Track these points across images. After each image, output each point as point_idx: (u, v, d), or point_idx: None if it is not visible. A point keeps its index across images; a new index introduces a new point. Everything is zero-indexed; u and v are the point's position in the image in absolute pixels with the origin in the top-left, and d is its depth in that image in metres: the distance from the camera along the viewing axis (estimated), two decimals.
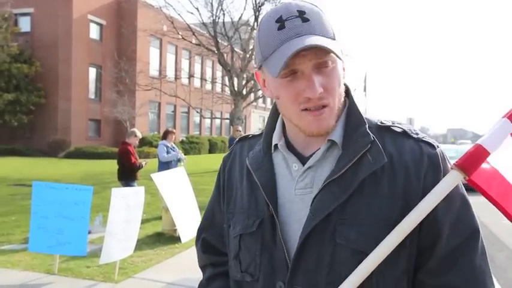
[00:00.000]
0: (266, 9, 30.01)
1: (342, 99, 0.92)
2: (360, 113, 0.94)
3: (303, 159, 0.94)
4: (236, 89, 18.41)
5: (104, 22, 26.87)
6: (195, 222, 5.93)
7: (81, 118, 25.33)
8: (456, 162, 0.86)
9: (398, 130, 0.92)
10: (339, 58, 0.87)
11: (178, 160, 7.83)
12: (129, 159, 6.83)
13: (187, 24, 18.65)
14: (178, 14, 18.40)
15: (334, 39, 0.87)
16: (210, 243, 1.14)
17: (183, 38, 18.56)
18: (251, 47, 19.48)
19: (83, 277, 4.56)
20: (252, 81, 19.01)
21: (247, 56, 19.07)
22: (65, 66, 24.60)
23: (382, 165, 0.87)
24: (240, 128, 9.41)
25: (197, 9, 18.36)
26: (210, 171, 17.01)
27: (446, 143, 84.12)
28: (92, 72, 26.52)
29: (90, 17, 25.75)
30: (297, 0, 0.89)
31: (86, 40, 25.53)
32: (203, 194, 10.25)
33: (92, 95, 26.63)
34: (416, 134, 0.93)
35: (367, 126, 0.91)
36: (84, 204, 4.54)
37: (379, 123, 0.93)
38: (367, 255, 0.84)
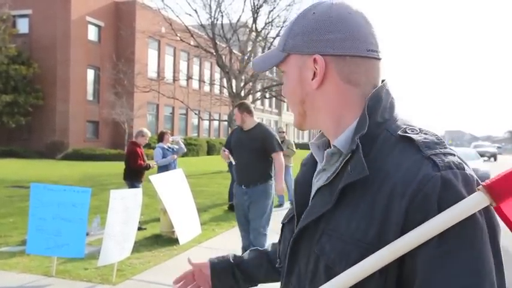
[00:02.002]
0: (264, 11, 30.07)
1: (300, 105, 0.93)
2: (365, 119, 0.84)
3: None
4: (234, 90, 18.42)
5: (102, 24, 26.86)
6: (193, 224, 5.92)
7: (79, 120, 25.29)
8: (485, 182, 0.69)
9: (414, 143, 0.79)
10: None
11: (176, 151, 7.80)
12: (135, 160, 6.88)
13: (186, 26, 18.67)
14: (177, 16, 18.41)
15: (281, 51, 0.93)
16: None
17: (181, 39, 18.57)
18: (249, 48, 19.51)
19: (80, 279, 4.55)
20: (250, 83, 19.03)
21: (246, 57, 19.09)
22: (63, 68, 24.57)
23: (363, 177, 0.78)
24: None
25: (195, 11, 18.38)
26: (208, 172, 17.01)
27: None
28: (90, 73, 26.49)
29: (88, 18, 25.73)
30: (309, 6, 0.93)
31: (84, 42, 25.51)
32: (201, 196, 10.25)
33: (90, 97, 26.60)
34: (433, 149, 0.77)
35: (362, 133, 0.82)
36: (82, 206, 4.54)
37: (401, 132, 0.82)
38: (336, 273, 0.78)
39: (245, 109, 4.82)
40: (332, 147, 0.89)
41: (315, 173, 0.95)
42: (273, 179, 4.79)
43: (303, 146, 34.36)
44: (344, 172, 0.82)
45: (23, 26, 25.06)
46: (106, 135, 27.13)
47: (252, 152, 4.66)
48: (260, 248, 1.29)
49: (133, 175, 6.89)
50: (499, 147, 71.40)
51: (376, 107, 0.86)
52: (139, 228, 6.62)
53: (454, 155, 0.77)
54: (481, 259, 0.70)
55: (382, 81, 0.91)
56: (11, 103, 22.93)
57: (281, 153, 4.81)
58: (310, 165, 1.00)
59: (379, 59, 0.88)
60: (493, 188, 0.68)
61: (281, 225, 1.05)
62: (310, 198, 0.93)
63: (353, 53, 0.85)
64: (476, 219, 0.71)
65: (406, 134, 0.81)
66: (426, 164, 0.75)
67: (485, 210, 0.72)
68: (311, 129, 1.02)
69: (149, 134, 7.33)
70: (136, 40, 26.61)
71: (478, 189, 0.70)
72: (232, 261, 1.24)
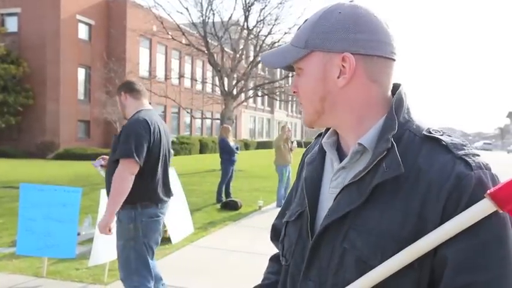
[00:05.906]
0: (256, 9, 30.08)
1: (320, 103, 0.93)
2: (393, 119, 0.89)
3: (343, 159, 0.96)
4: (226, 89, 18.40)
5: (92, 22, 26.65)
6: (186, 223, 5.90)
7: (70, 119, 25.09)
8: (490, 191, 0.75)
9: (442, 143, 0.84)
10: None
11: None
12: None
13: (177, 24, 18.59)
14: (168, 14, 18.36)
15: (303, 47, 0.92)
16: (278, 229, 1.19)
17: (172, 38, 18.50)
18: (241, 47, 19.49)
19: (72, 279, 4.50)
20: (242, 81, 19.00)
21: (237, 56, 19.06)
22: (53, 67, 24.36)
23: (396, 175, 0.82)
24: (230, 129, 9.39)
25: (187, 9, 18.34)
26: (201, 171, 16.96)
27: None
28: (81, 72, 26.29)
29: (78, 17, 25.52)
30: (329, 5, 0.94)
31: (74, 40, 25.30)
32: (193, 195, 10.21)
33: (81, 96, 26.40)
34: (461, 150, 0.82)
35: (393, 132, 0.87)
36: (72, 206, 4.49)
37: (426, 133, 0.87)
38: (370, 266, 0.82)
39: (124, 87, 3.12)
40: (357, 145, 0.91)
41: (334, 171, 0.96)
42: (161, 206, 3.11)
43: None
44: (376, 170, 0.85)
45: (11, 24, 24.77)
46: (97, 134, 26.96)
47: (111, 156, 3.08)
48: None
49: None
50: (489, 144, 73.79)
51: (400, 108, 0.91)
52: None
53: (480, 156, 0.83)
54: (508, 251, 0.77)
55: (398, 84, 0.96)
56: (0, 103, 22.69)
57: (130, 163, 2.87)
58: (317, 163, 1.02)
59: (395, 60, 0.94)
60: (495, 194, 0.74)
61: (285, 223, 1.06)
62: (321, 196, 0.97)
63: (380, 53, 0.89)
64: (502, 215, 0.77)
65: (432, 135, 0.86)
66: (459, 164, 0.81)
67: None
68: (320, 127, 1.02)
69: None
70: (127, 39, 26.45)
71: (484, 197, 0.75)
72: None
